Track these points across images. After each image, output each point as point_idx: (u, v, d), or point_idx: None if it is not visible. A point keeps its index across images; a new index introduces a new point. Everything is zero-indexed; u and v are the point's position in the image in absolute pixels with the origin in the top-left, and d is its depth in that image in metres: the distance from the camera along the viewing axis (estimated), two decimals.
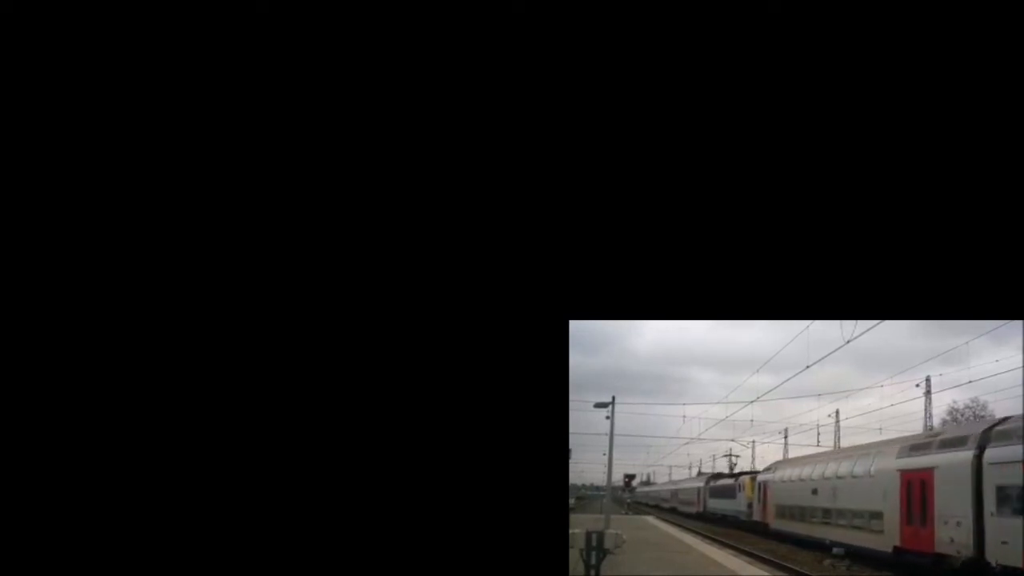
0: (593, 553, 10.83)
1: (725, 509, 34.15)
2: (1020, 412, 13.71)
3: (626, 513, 43.51)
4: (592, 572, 10.78)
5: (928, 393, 37.34)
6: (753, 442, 53.87)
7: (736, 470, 45.01)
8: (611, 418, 20.12)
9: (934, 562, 13.93)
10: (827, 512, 19.89)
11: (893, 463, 16.28)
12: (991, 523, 12.35)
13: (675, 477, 64.07)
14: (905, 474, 15.52)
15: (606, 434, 20.51)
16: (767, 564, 17.46)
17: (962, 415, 37.37)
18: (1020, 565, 11.45)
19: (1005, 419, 13.47)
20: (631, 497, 58.55)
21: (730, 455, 55.08)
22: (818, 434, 44.16)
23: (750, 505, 29.25)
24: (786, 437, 48.43)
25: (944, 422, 36.76)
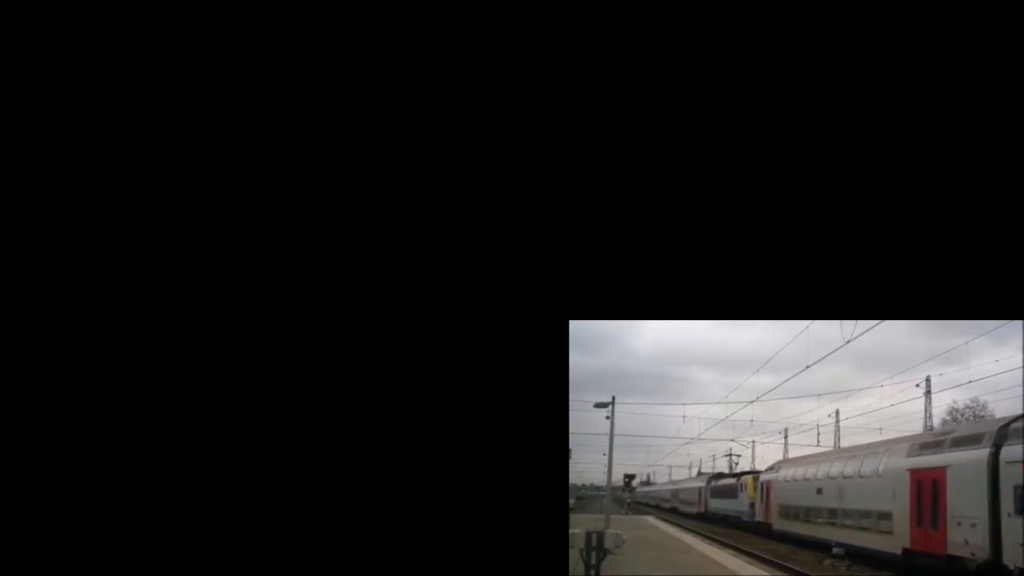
0: (593, 553, 10.84)
1: (727, 509, 34.11)
2: (1020, 412, 13.61)
3: (626, 513, 43.53)
4: (592, 572, 10.79)
5: (928, 393, 37.38)
6: (753, 442, 53.96)
7: (737, 470, 45.05)
8: (611, 418, 20.17)
9: (947, 565, 13.41)
10: (833, 512, 19.49)
11: (902, 462, 15.77)
12: (1009, 524, 11.84)
13: (675, 477, 64.13)
14: (915, 473, 14.99)
15: (606, 434, 20.55)
16: (767, 564, 17.47)
17: (962, 415, 37.41)
18: None
19: (1022, 416, 12.92)
20: (631, 497, 58.57)
21: (730, 455, 55.15)
22: (818, 434, 44.21)
23: (753, 505, 29.17)
24: (786, 437, 48.50)
25: (944, 422, 36.79)
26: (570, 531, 9.92)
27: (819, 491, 20.77)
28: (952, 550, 13.25)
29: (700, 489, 41.89)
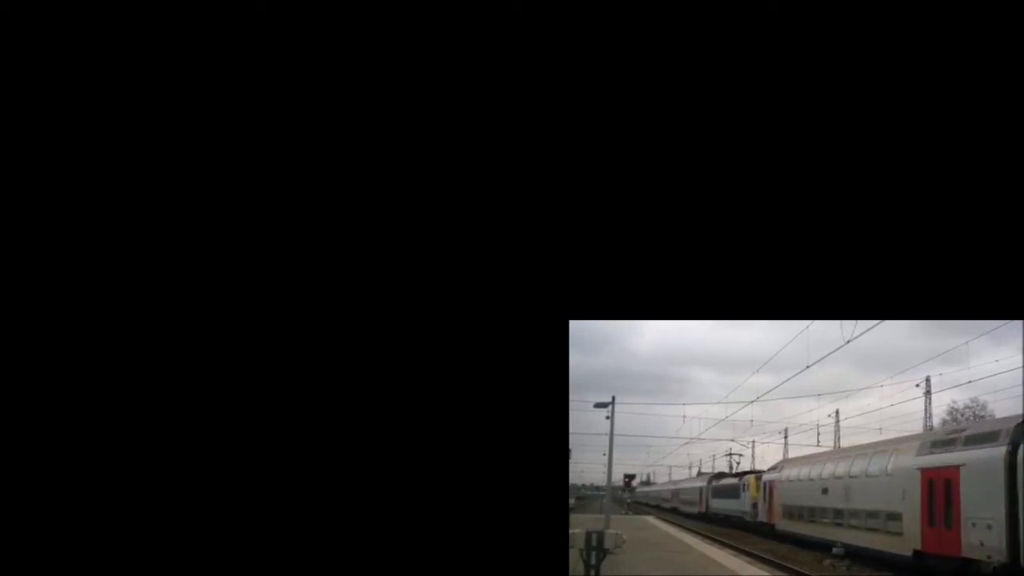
0: (593, 553, 10.84)
1: (729, 509, 34.04)
2: (1021, 412, 13.54)
3: (626, 513, 43.56)
4: (592, 572, 10.78)
5: (928, 393, 37.40)
6: (753, 442, 53.99)
7: (737, 470, 45.05)
8: (611, 418, 20.16)
9: (961, 567, 12.90)
10: (839, 513, 18.94)
11: (912, 461, 15.16)
12: None
13: (675, 477, 64.16)
14: (926, 472, 14.39)
15: (606, 434, 20.55)
16: (767, 564, 17.45)
17: (962, 415, 37.43)
18: None
19: None
20: (631, 497, 58.59)
21: (731, 454, 55.15)
22: (818, 434, 44.24)
23: (755, 505, 29.05)
24: (786, 437, 48.53)
25: (944, 422, 36.80)
26: (570, 531, 9.92)
27: (824, 491, 20.28)
28: (967, 552, 12.75)
29: (701, 489, 41.89)
